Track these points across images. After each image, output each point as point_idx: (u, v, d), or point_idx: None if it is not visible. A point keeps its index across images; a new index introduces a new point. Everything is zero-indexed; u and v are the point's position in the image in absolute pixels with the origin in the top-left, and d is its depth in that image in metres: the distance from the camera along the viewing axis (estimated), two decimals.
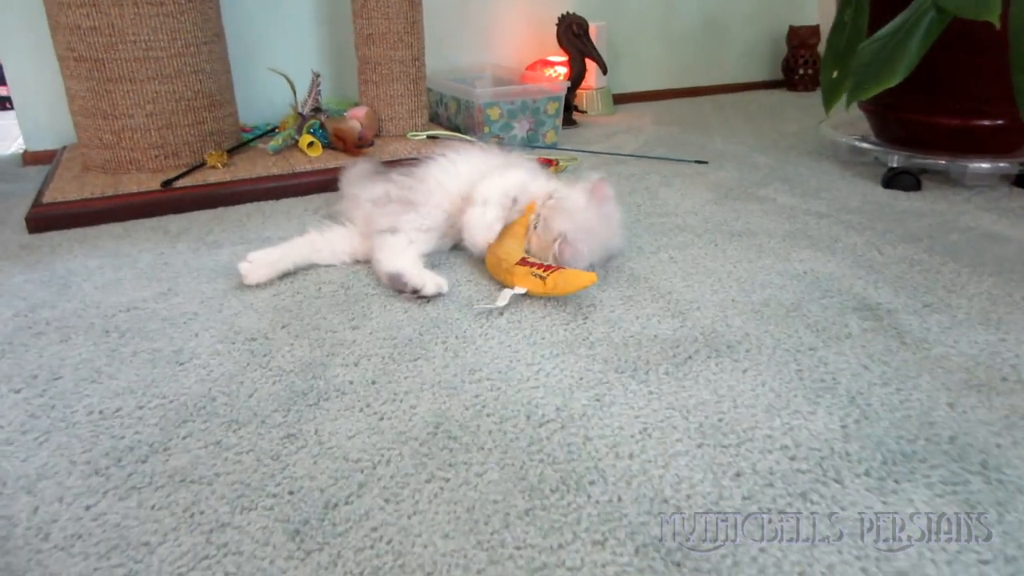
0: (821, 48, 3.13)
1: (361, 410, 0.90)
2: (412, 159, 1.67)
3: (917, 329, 1.07)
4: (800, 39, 3.09)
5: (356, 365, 1.01)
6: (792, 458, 0.79)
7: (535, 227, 1.27)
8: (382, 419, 0.88)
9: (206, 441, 0.85)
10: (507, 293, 1.16)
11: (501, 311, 1.15)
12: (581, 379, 0.96)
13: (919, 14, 1.27)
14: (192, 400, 0.93)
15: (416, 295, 1.20)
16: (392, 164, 1.68)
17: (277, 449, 0.83)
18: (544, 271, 1.15)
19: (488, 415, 0.88)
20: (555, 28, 2.53)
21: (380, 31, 2.04)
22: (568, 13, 2.52)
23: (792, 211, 1.61)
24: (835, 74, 1.38)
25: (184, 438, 0.85)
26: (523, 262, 1.19)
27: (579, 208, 1.24)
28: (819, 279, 1.25)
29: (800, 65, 3.13)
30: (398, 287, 1.21)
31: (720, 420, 0.86)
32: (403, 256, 1.24)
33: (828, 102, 1.41)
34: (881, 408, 0.88)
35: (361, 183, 1.44)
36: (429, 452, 0.82)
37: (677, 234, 1.48)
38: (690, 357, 1.00)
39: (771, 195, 1.73)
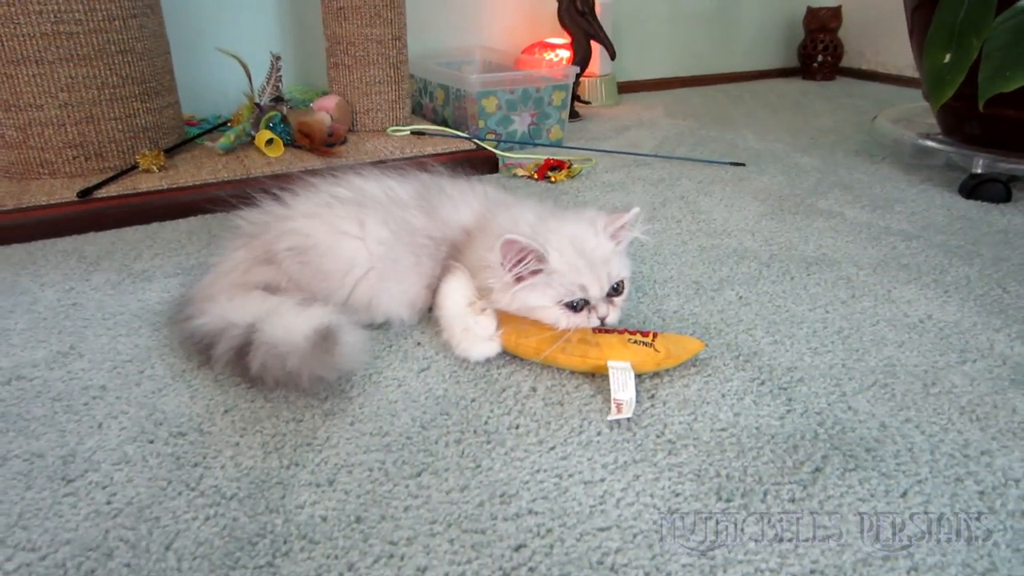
0: (843, 32, 2.85)
1: None
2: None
3: None
4: (819, 22, 2.79)
5: (331, 485, 0.68)
6: None
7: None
8: None
9: None
10: (620, 375, 0.78)
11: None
12: (671, 512, 0.64)
13: None
14: (75, 556, 0.60)
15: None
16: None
17: None
18: (644, 336, 0.83)
19: None
20: (555, 5, 2.20)
21: (353, 4, 1.69)
22: None
23: (870, 229, 1.31)
24: (947, 58, 1.08)
25: None
26: (600, 328, 0.85)
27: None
28: (945, 331, 0.95)
29: (819, 51, 2.83)
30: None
31: None
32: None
33: (937, 93, 1.11)
34: None
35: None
36: None
37: (738, 262, 1.17)
38: (819, 469, 0.69)
39: (835, 207, 1.43)
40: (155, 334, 0.95)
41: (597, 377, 0.84)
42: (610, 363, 0.80)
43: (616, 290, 0.85)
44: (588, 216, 0.89)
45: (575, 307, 0.83)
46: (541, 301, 0.83)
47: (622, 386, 0.77)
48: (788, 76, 3.00)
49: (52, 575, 0.58)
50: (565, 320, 0.83)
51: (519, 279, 0.83)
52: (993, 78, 1.02)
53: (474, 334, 0.87)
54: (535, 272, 0.82)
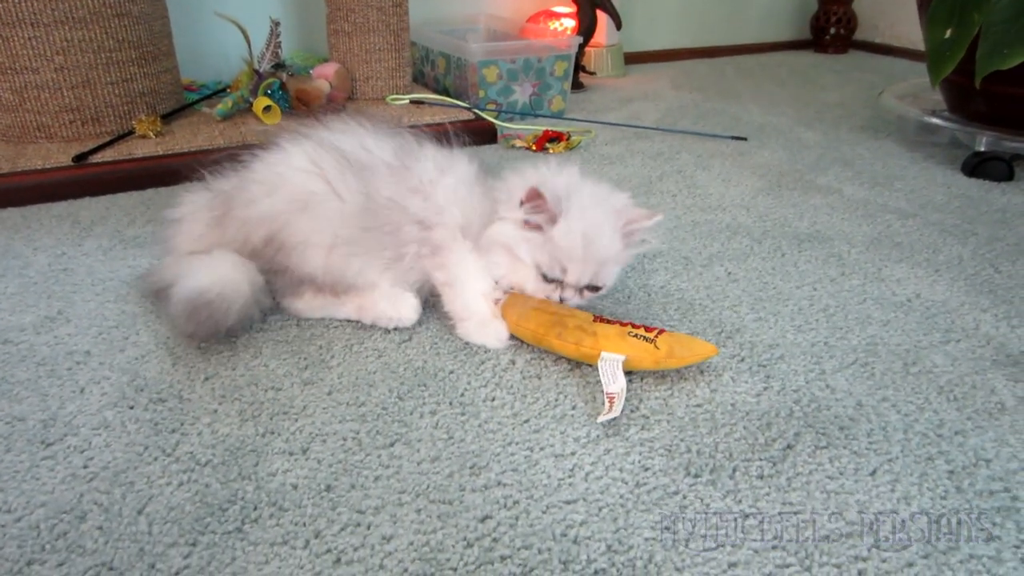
0: (857, 4, 2.78)
1: (306, 545, 0.59)
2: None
3: None
4: None
5: (304, 453, 0.69)
6: None
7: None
8: (337, 562, 0.57)
9: None
10: (608, 368, 0.76)
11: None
12: (638, 486, 0.65)
13: None
14: (49, 519, 0.61)
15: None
16: None
17: None
18: (648, 331, 0.78)
19: (503, 558, 0.58)
20: None
21: None
22: None
23: (866, 207, 1.29)
24: (948, 33, 1.05)
25: None
26: (601, 318, 0.81)
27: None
28: (931, 311, 0.94)
29: (832, 24, 2.77)
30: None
31: (860, 574, 0.56)
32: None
33: (937, 69, 1.09)
34: None
35: None
36: None
37: (730, 238, 1.16)
38: (790, 446, 0.70)
39: (833, 183, 1.41)
40: (142, 300, 0.96)
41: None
42: (602, 354, 0.77)
43: (594, 287, 0.86)
44: (617, 205, 0.87)
45: (547, 279, 0.85)
46: (524, 256, 0.85)
47: (612, 378, 0.75)
48: (799, 49, 2.94)
49: (26, 536, 0.60)
50: (532, 283, 0.86)
51: (527, 224, 0.84)
52: (991, 55, 1.00)
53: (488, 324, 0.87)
54: (536, 227, 0.84)
